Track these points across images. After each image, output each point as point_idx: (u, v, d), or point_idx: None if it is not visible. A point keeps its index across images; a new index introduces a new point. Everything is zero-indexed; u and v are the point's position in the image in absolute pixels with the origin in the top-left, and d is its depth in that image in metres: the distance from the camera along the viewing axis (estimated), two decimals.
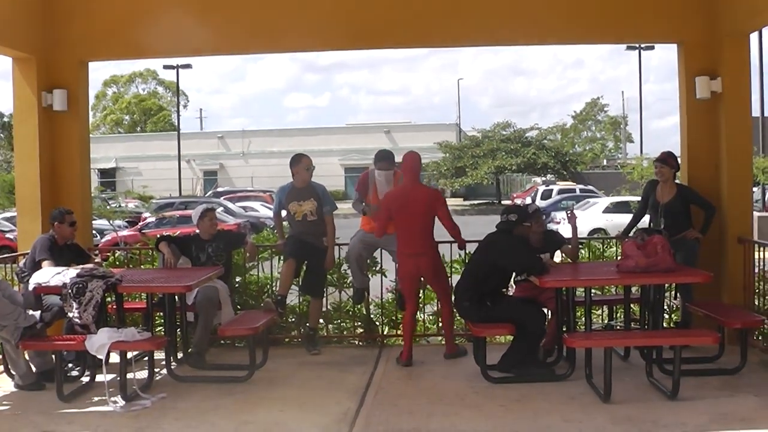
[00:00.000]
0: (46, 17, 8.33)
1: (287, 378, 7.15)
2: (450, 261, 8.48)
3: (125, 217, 26.78)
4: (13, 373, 6.88)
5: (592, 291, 7.36)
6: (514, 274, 7.40)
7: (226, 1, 8.51)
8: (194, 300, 7.37)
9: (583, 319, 6.91)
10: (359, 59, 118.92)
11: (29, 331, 6.57)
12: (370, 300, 8.59)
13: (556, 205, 30.67)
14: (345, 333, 8.82)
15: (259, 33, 8.50)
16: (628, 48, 46.94)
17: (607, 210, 26.08)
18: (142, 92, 72.91)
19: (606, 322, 8.38)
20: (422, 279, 7.71)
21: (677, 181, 7.97)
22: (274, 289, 8.49)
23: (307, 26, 8.42)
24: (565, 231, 8.13)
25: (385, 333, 8.63)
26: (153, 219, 25.89)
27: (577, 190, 38.11)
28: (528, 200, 33.23)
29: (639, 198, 9.04)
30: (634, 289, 7.63)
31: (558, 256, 7.96)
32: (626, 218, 9.35)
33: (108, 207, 25.59)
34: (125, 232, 23.01)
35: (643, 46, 45.28)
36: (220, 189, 46.88)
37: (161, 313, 7.75)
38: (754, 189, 25.27)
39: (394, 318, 8.73)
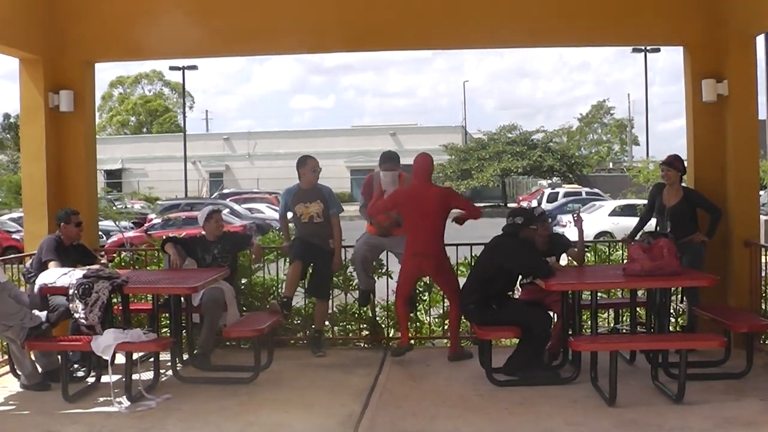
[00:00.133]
0: (53, 18, 8.35)
1: (292, 380, 7.15)
2: (456, 263, 8.48)
3: (131, 219, 26.82)
4: (19, 373, 6.90)
5: (598, 294, 7.35)
6: (519, 277, 7.39)
7: (230, 2, 8.53)
8: (200, 301, 7.38)
9: (589, 322, 6.90)
10: (365, 61, 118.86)
11: (35, 332, 6.58)
12: (375, 302, 8.60)
13: (562, 208, 30.67)
14: (350, 335, 8.82)
15: (262, 34, 8.52)
16: (634, 50, 46.98)
17: (613, 213, 26.07)
18: (148, 93, 73.09)
19: (612, 325, 8.36)
20: (427, 281, 7.74)
21: (683, 184, 7.96)
22: (279, 290, 8.50)
23: (309, 28, 8.41)
24: (571, 234, 8.12)
25: (390, 335, 8.63)
26: (159, 220, 25.93)
27: (583, 193, 38.07)
28: (534, 203, 33.16)
29: (645, 201, 9.02)
30: (640, 293, 7.61)
31: (564, 260, 7.95)
32: (632, 221, 9.33)
33: (114, 208, 25.61)
34: (131, 234, 23.03)
35: (648, 48, 45.34)
36: (225, 190, 46.96)
37: (167, 315, 7.75)
38: (761, 192, 25.16)
39: None
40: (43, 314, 6.71)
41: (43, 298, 6.85)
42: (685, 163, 8.05)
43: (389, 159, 8.14)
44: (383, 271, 8.66)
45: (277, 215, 14.27)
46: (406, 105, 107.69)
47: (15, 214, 24.56)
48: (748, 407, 6.02)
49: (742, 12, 7.71)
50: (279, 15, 8.40)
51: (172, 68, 51.98)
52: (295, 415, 6.14)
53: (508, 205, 43.43)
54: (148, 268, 8.84)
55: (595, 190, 39.75)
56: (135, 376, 6.50)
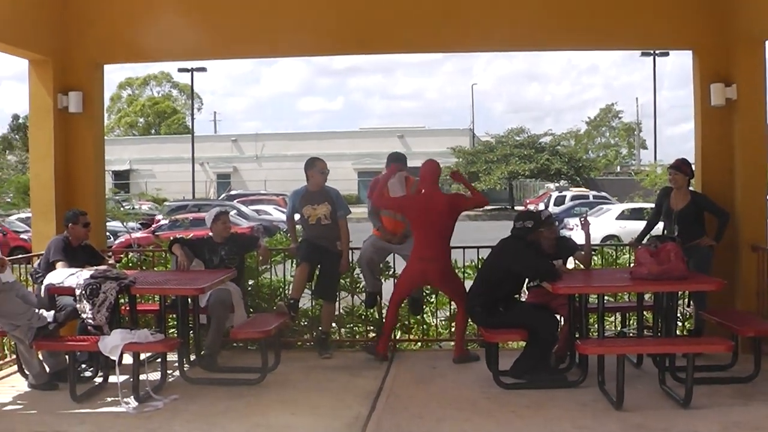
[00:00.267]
0: (62, 20, 8.39)
1: (299, 381, 7.16)
2: (462, 266, 8.48)
3: (139, 220, 26.90)
4: (27, 372, 6.91)
5: (605, 298, 7.35)
6: (526, 280, 7.39)
7: (237, 5, 8.55)
8: (207, 302, 7.40)
9: (596, 325, 6.89)
10: (373, 63, 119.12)
11: (42, 332, 6.60)
12: (382, 304, 8.60)
13: (569, 212, 30.67)
14: (357, 337, 8.83)
15: (272, 36, 8.53)
16: (643, 54, 46.83)
17: (621, 216, 26.03)
18: (156, 95, 73.31)
19: (619, 329, 8.34)
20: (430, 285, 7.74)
21: (691, 188, 7.95)
22: (286, 292, 8.51)
23: (315, 29, 8.43)
24: (578, 237, 8.11)
25: (397, 337, 8.62)
26: (166, 221, 26.00)
27: (591, 197, 38.02)
28: (541, 206, 33.16)
29: (652, 205, 9.02)
30: (647, 297, 7.59)
31: (571, 263, 7.95)
32: (639, 225, 9.33)
33: (122, 209, 25.70)
34: (139, 234, 23.11)
35: (657, 52, 45.19)
36: (233, 192, 47.07)
37: (174, 315, 7.78)
38: None
39: (406, 323, 8.74)
40: (50, 314, 6.74)
41: (50, 298, 6.87)
42: (693, 167, 8.04)
43: (396, 159, 8.14)
44: (390, 273, 8.66)
45: (284, 217, 14.29)
46: (414, 107, 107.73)
47: (23, 215, 24.66)
48: (756, 411, 6.01)
49: (752, 16, 7.69)
50: (285, 17, 8.41)
51: (180, 70, 52.13)
52: (301, 416, 6.15)
53: (515, 208, 43.40)
54: (155, 269, 8.86)
55: (603, 194, 39.68)
56: (142, 377, 6.52)
